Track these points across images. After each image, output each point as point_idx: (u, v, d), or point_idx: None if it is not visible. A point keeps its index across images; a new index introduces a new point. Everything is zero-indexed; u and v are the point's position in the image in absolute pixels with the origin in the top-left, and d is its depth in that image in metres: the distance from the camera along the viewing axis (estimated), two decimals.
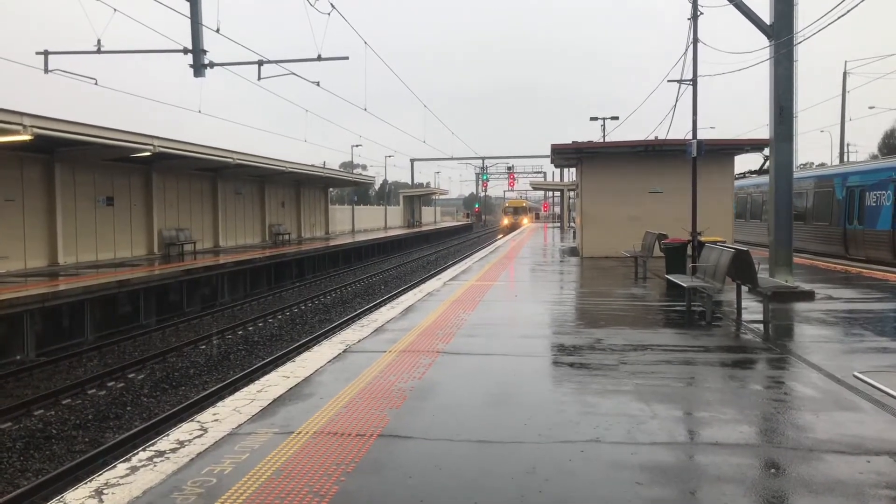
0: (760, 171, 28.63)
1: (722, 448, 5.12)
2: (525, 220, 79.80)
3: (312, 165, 44.27)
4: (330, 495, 4.33)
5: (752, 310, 11.45)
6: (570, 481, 4.55)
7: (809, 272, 17.76)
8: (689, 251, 16.04)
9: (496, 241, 44.26)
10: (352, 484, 4.52)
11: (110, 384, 13.56)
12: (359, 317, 19.79)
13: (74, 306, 17.19)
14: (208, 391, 12.84)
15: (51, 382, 13.75)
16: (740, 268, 10.40)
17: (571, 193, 56.32)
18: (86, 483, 4.62)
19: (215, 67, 20.14)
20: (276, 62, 21.94)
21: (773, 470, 4.73)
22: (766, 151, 23.24)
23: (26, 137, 18.00)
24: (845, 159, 46.45)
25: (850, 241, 23.38)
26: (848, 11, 11.70)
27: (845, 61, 57.90)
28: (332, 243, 39.33)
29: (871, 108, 53.47)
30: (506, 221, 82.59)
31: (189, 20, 18.52)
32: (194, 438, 5.43)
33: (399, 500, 4.31)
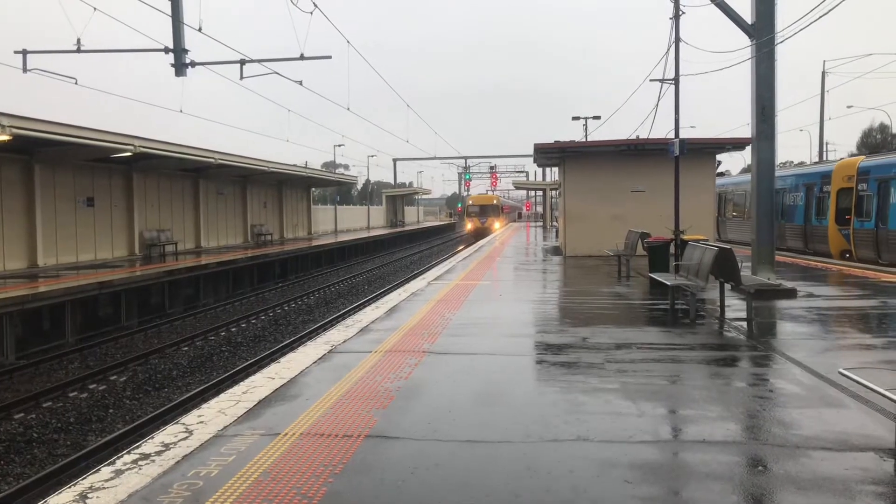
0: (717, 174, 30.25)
1: (709, 445, 5.14)
2: (497, 224, 60.70)
3: (294, 165, 44.09)
4: (318, 497, 4.30)
5: (736, 307, 11.51)
6: (560, 480, 4.55)
7: (791, 270, 17.90)
8: (672, 250, 16.12)
9: (477, 241, 41.90)
10: (340, 485, 4.49)
11: (92, 386, 13.42)
12: (343, 317, 19.71)
13: (55, 308, 17.00)
14: (192, 393, 12.74)
15: (31, 385, 13.58)
16: (723, 266, 10.45)
17: (554, 193, 56.43)
18: (70, 487, 4.55)
19: (197, 67, 20.03)
20: (259, 61, 21.86)
21: (760, 467, 4.75)
22: (720, 156, 24.67)
23: (4, 138, 17.78)
24: (824, 158, 46.96)
25: (778, 233, 26.80)
26: (828, 12, 11.81)
27: (823, 61, 58.50)
28: (314, 243, 39.18)
29: (849, 107, 54.11)
30: (469, 226, 62.45)
31: (171, 19, 18.39)
32: (179, 441, 5.37)
33: (387, 501, 4.29)
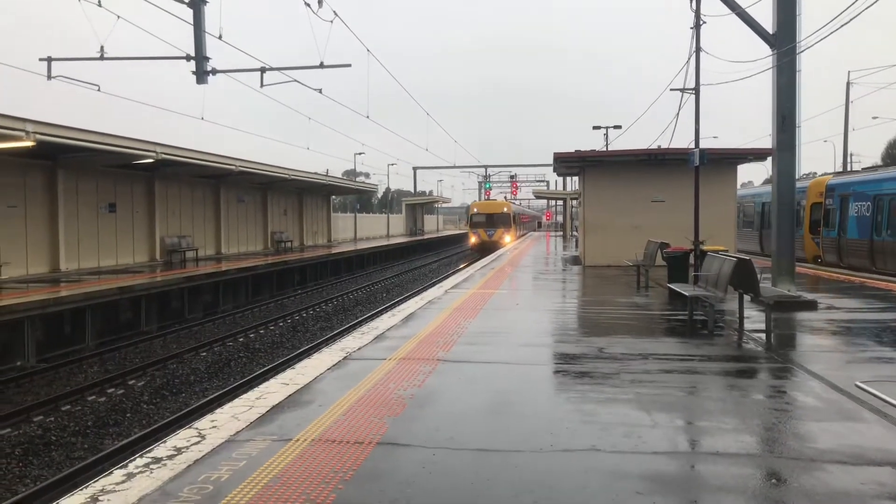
0: None
1: (723, 458, 5.08)
2: (508, 238, 49.70)
3: (315, 173, 44.30)
4: (327, 503, 4.30)
5: (755, 319, 11.40)
6: (571, 491, 4.51)
7: (812, 282, 17.71)
8: (692, 260, 16.00)
9: (486, 256, 36.44)
10: (349, 492, 4.48)
11: (110, 391, 13.53)
12: (359, 324, 19.73)
13: (75, 312, 17.18)
14: (208, 398, 12.81)
15: (51, 388, 13.72)
16: (742, 277, 10.36)
17: (574, 202, 56.15)
18: (81, 489, 4.59)
19: (218, 74, 20.19)
20: (279, 69, 21.97)
21: (774, 480, 4.69)
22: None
23: (29, 144, 18.02)
24: (848, 169, 46.55)
25: (764, 241, 29.89)
26: (851, 20, 11.69)
27: (848, 71, 57.88)
28: (334, 251, 39.33)
29: (874, 118, 53.57)
30: (473, 240, 51.37)
31: (192, 27, 18.58)
32: (192, 445, 5.39)
33: None
